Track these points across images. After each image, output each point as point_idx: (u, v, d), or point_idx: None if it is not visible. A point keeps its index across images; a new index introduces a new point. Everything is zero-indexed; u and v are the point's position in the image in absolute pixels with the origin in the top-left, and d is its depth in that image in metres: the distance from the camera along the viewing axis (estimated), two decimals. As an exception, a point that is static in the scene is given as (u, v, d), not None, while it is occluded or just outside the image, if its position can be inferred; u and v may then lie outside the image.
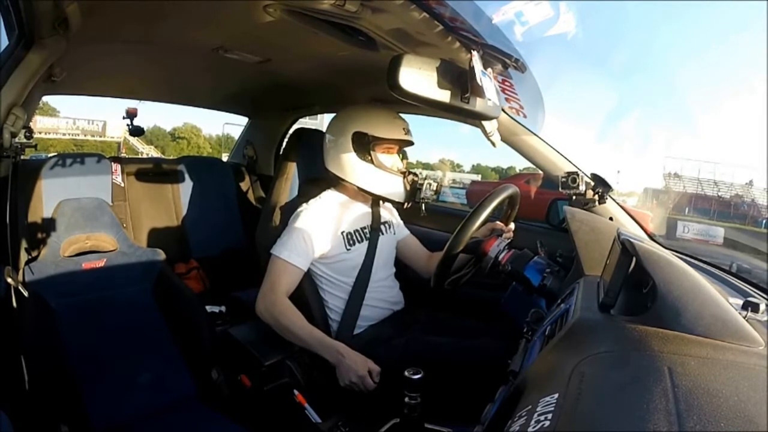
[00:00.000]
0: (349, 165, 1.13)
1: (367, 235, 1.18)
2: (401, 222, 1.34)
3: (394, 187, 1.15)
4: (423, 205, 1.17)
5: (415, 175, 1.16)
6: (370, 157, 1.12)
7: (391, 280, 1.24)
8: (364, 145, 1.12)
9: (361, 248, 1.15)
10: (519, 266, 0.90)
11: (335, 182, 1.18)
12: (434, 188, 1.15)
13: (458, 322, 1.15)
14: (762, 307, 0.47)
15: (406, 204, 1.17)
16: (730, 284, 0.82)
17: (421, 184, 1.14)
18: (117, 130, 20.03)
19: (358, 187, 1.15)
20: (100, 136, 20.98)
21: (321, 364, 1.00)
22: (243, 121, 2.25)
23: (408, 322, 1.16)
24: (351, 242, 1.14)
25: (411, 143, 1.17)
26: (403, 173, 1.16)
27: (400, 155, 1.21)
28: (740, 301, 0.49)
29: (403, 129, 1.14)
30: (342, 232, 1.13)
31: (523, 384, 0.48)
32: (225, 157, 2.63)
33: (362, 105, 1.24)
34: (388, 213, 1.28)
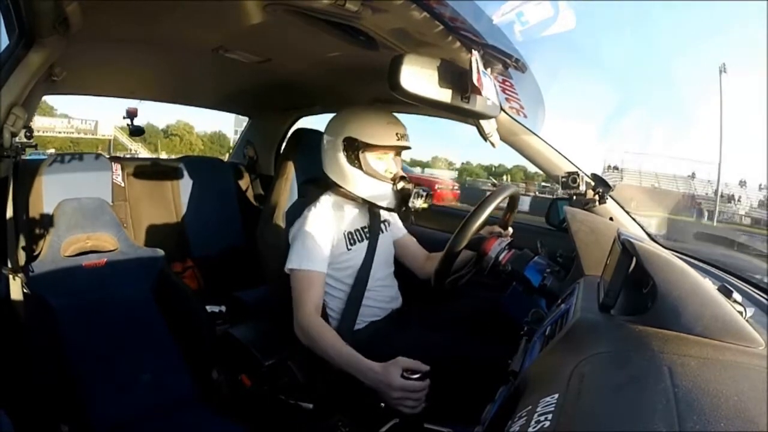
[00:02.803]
0: (341, 169, 1.11)
1: (367, 235, 1.18)
2: (399, 221, 1.33)
3: (382, 193, 1.12)
4: (412, 215, 1.16)
5: (408, 181, 1.12)
6: (358, 163, 1.10)
7: (390, 278, 1.24)
8: (354, 151, 1.10)
9: (361, 247, 1.15)
10: (519, 266, 0.90)
11: (332, 185, 1.16)
12: (422, 201, 1.11)
13: (458, 323, 1.15)
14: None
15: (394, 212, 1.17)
16: (730, 284, 0.82)
17: (410, 194, 1.10)
18: (108, 129, 22.02)
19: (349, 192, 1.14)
20: (93, 134, 22.40)
21: (321, 365, 1.00)
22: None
23: (407, 321, 1.16)
24: (352, 241, 1.14)
25: (406, 148, 1.15)
26: (394, 180, 1.12)
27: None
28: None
29: (397, 134, 1.10)
30: (344, 232, 1.13)
31: (524, 384, 0.48)
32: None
33: (359, 107, 1.20)
34: (386, 212, 1.27)
